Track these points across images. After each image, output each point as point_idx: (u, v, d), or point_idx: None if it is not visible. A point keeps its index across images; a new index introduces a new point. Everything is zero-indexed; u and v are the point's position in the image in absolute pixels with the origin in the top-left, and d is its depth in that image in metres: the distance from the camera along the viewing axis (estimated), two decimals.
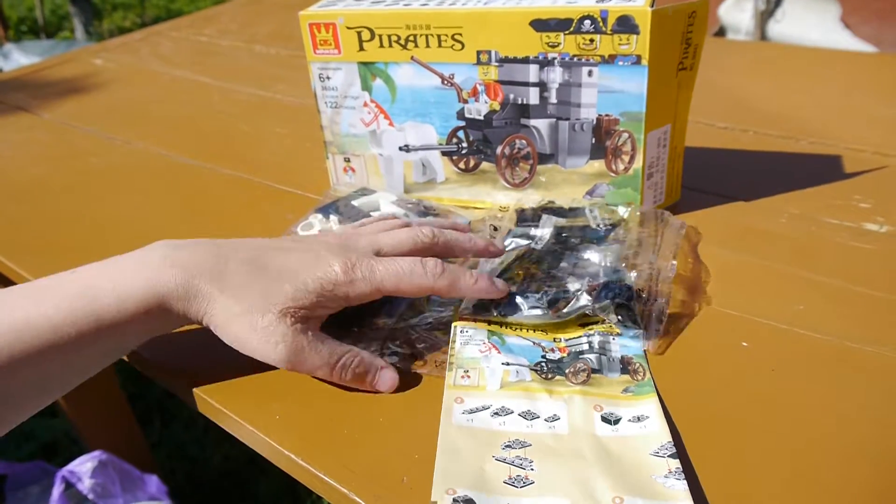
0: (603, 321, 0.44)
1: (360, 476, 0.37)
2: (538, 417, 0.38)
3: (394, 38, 0.55)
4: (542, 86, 0.54)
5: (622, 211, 0.54)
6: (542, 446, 0.36)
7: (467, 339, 0.43)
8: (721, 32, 1.79)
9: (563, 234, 0.52)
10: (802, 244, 0.54)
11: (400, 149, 0.61)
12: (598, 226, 0.53)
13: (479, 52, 0.54)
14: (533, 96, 0.54)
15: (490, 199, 0.60)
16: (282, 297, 0.39)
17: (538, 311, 0.44)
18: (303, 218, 0.57)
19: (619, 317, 0.44)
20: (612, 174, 0.55)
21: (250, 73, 1.04)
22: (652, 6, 0.49)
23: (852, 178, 0.62)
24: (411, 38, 0.55)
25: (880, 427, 0.37)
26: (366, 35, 0.56)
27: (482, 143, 0.58)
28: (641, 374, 0.41)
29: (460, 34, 0.54)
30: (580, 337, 0.44)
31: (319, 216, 0.57)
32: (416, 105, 0.58)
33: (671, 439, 0.36)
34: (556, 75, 0.53)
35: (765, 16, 1.69)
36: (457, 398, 0.39)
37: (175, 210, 0.67)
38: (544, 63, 0.53)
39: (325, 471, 0.37)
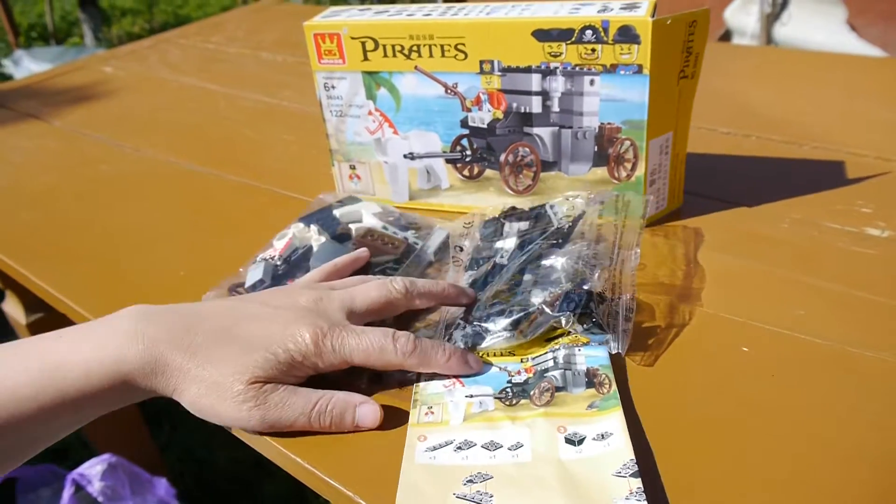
0: (569, 332, 0.44)
1: (366, 479, 0.38)
2: (501, 447, 0.38)
3: (398, 47, 0.56)
4: (545, 95, 0.54)
5: (580, 203, 0.53)
6: (505, 477, 0.36)
7: (431, 375, 0.43)
8: (727, 35, 1.79)
9: (527, 242, 0.51)
10: (804, 249, 0.54)
11: (405, 156, 0.61)
12: (561, 224, 0.52)
13: (481, 62, 0.55)
14: (536, 105, 0.55)
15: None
16: (251, 368, 0.39)
17: (504, 335, 0.44)
18: (285, 227, 0.58)
19: (584, 325, 0.43)
20: (615, 181, 0.56)
21: (257, 80, 1.05)
22: (653, 16, 0.49)
23: (854, 184, 0.63)
24: (415, 47, 0.56)
25: (881, 431, 0.38)
26: (370, 45, 0.57)
27: (486, 150, 0.59)
28: (607, 386, 0.40)
29: (463, 44, 0.54)
30: (546, 353, 0.43)
31: (301, 226, 0.57)
32: (421, 114, 0.59)
33: (633, 457, 0.36)
34: (558, 84, 0.53)
35: (770, 18, 1.69)
36: (420, 436, 0.39)
37: (183, 216, 0.68)
38: (547, 72, 0.53)
39: (331, 474, 0.38)
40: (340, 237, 0.56)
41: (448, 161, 0.60)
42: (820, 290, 0.49)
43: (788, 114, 0.78)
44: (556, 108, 0.55)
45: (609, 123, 0.54)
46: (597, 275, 0.45)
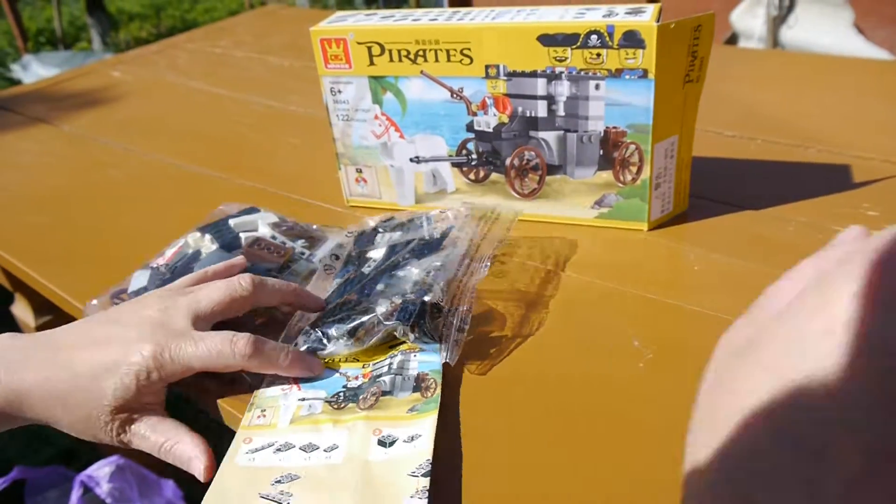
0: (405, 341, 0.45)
1: None
2: (318, 448, 0.39)
3: (403, 52, 0.57)
4: (550, 99, 0.55)
5: (451, 215, 0.54)
6: (312, 479, 0.37)
7: (272, 380, 0.44)
8: (733, 39, 1.79)
9: (396, 252, 0.52)
10: (809, 252, 0.53)
11: (411, 160, 0.62)
12: (431, 235, 0.53)
13: (487, 67, 0.55)
14: (541, 109, 0.55)
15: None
16: (108, 398, 0.41)
17: (342, 342, 0.45)
18: (182, 236, 0.59)
19: (416, 334, 0.44)
20: (620, 185, 0.56)
21: (264, 84, 1.06)
22: (658, 21, 0.50)
23: (861, 187, 0.63)
24: (421, 52, 0.56)
25: None
26: (376, 50, 0.57)
27: (491, 154, 0.59)
28: (432, 390, 0.41)
29: (469, 49, 0.55)
30: (385, 359, 0.44)
31: (197, 234, 0.58)
32: (427, 118, 0.59)
33: (430, 458, 0.37)
34: (563, 89, 0.54)
35: (777, 21, 1.69)
36: (245, 438, 0.40)
37: (191, 219, 0.69)
38: (552, 77, 0.53)
39: None
40: (230, 245, 0.56)
41: (454, 165, 0.61)
42: None
43: (794, 117, 0.78)
44: (561, 113, 0.55)
45: (614, 127, 0.54)
46: (440, 286, 0.46)
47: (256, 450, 0.39)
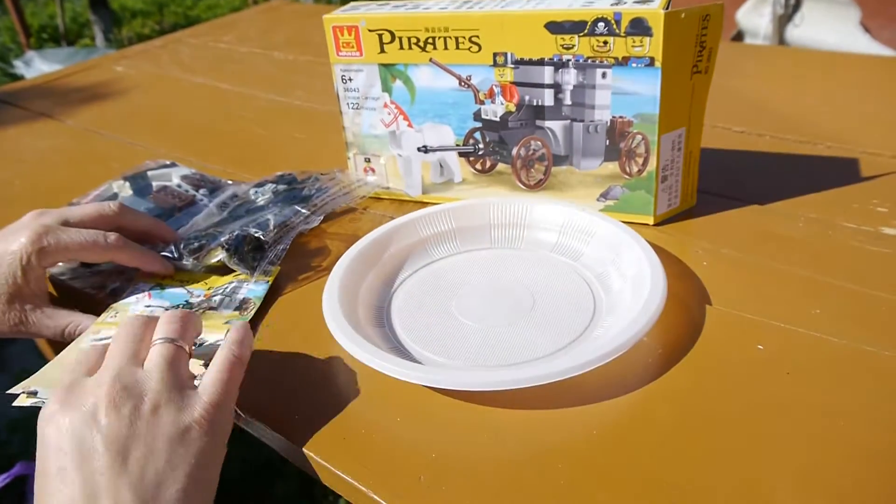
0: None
1: (378, 475, 0.37)
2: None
3: (413, 40, 0.56)
4: (557, 87, 0.54)
5: (338, 176, 0.66)
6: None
7: (133, 291, 0.53)
8: (739, 37, 1.78)
9: (274, 197, 0.63)
10: (819, 248, 0.53)
11: (418, 149, 0.61)
12: (310, 190, 0.63)
13: (495, 54, 0.54)
14: (548, 98, 0.55)
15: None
16: None
17: (189, 260, 0.54)
18: (109, 181, 0.69)
19: (235, 260, 0.54)
20: (626, 176, 0.56)
21: (268, 79, 1.06)
22: (666, 8, 0.49)
23: (869, 183, 0.62)
24: (430, 40, 0.56)
25: None
26: (386, 37, 0.57)
27: (498, 144, 0.59)
28: (249, 310, 0.50)
29: (477, 36, 0.54)
30: (223, 286, 0.53)
31: (121, 181, 0.69)
32: (435, 106, 0.59)
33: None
34: (570, 77, 0.53)
35: (783, 20, 1.69)
36: (94, 331, 0.48)
37: None
38: (559, 65, 0.53)
39: (344, 469, 0.38)
40: (143, 192, 0.67)
41: (461, 154, 0.60)
42: (835, 289, 0.49)
43: (803, 112, 0.78)
44: (567, 101, 0.54)
45: (621, 117, 0.53)
46: (271, 225, 0.57)
47: (100, 340, 0.47)
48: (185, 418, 0.35)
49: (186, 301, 0.52)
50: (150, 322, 0.40)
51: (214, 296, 0.52)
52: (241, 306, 0.51)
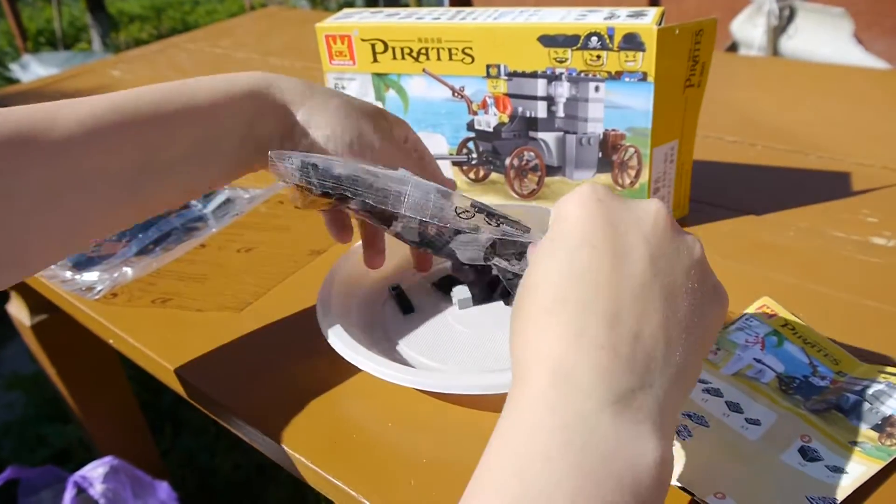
0: None
1: (369, 479, 0.38)
2: (741, 413, 0.39)
3: (406, 50, 0.57)
4: (550, 100, 0.55)
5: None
6: (720, 434, 0.38)
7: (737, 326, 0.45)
8: (733, 48, 1.79)
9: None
10: (810, 258, 0.54)
11: None
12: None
13: (488, 66, 0.55)
14: (541, 110, 0.55)
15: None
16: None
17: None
18: None
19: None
20: (619, 188, 0.56)
21: None
22: (660, 24, 0.50)
23: (860, 194, 0.63)
24: (423, 50, 0.56)
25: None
26: (380, 47, 0.57)
27: (491, 154, 0.59)
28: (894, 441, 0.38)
29: (470, 48, 0.55)
30: (867, 379, 0.41)
31: None
32: (428, 116, 0.59)
33: (839, 499, 0.34)
34: (563, 90, 0.54)
35: (777, 31, 1.70)
36: None
37: None
38: (552, 78, 0.54)
39: (336, 475, 0.38)
40: None
41: (454, 164, 0.61)
42: (826, 298, 0.49)
43: (794, 124, 0.78)
44: (560, 114, 0.55)
45: (613, 130, 0.54)
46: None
47: None
48: None
49: (804, 376, 0.41)
50: None
51: (848, 389, 0.40)
52: (885, 427, 0.37)
